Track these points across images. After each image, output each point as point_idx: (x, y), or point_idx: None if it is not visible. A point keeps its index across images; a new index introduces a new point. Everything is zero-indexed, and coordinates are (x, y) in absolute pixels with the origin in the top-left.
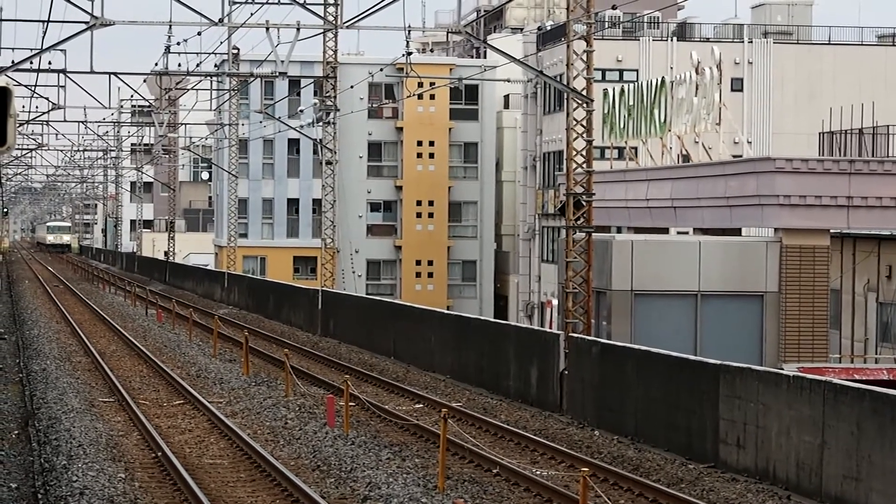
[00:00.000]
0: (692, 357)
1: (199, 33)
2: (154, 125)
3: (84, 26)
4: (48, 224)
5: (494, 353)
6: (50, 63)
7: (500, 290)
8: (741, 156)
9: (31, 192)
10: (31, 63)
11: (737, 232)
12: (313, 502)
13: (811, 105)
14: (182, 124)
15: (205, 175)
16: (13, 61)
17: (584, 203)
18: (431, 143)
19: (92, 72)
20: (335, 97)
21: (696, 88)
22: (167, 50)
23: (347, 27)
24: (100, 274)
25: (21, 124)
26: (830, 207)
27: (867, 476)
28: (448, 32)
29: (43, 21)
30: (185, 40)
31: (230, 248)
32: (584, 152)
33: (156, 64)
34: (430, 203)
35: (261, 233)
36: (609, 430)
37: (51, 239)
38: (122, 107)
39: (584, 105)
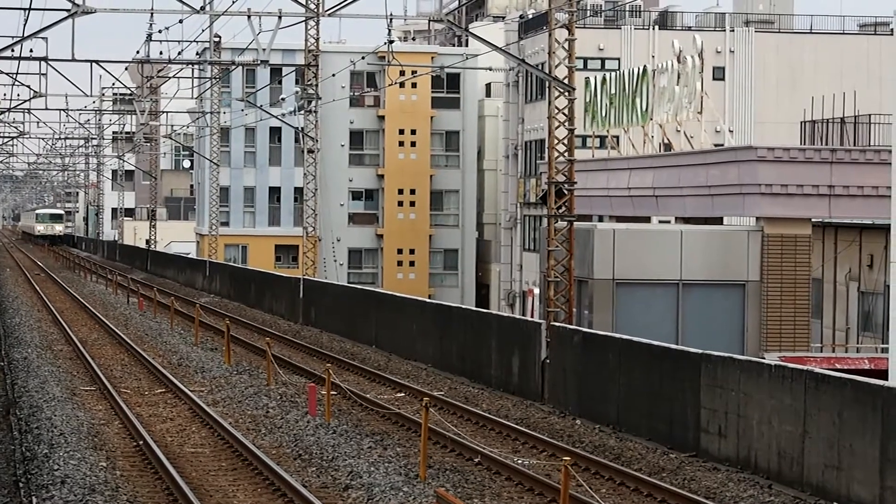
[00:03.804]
0: (674, 346)
1: (180, 21)
2: (136, 113)
3: (65, 14)
4: (37, 212)
5: (476, 342)
6: (31, 51)
7: (481, 278)
8: (723, 145)
9: (12, 180)
10: (13, 51)
11: (718, 221)
12: (295, 491)
13: (793, 94)
14: (163, 112)
15: (186, 163)
16: None
17: (565, 192)
18: (413, 132)
19: (73, 59)
20: (317, 85)
21: (678, 77)
22: (149, 38)
23: (329, 15)
24: (81, 262)
25: (2, 112)
26: (812, 196)
27: (848, 465)
28: (430, 20)
29: (24, 8)
30: (167, 28)
31: (212, 236)
32: (565, 141)
33: (137, 52)
34: (412, 191)
35: (242, 221)
36: (591, 419)
37: (41, 229)
38: (103, 95)
39: (566, 93)
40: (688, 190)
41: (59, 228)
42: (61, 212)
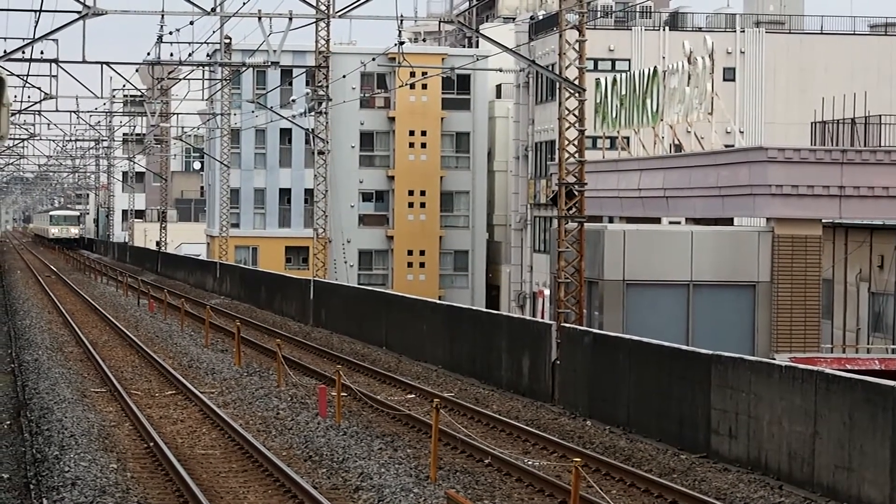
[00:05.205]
0: (684, 347)
1: (191, 23)
2: (146, 115)
3: (76, 16)
4: (51, 213)
5: (486, 344)
6: (42, 53)
7: (491, 280)
8: (733, 145)
9: (22, 181)
10: (24, 53)
11: (729, 222)
12: (305, 493)
13: (803, 95)
14: (174, 114)
15: (197, 165)
16: (5, 51)
17: (576, 193)
18: (423, 133)
19: (84, 61)
20: (327, 87)
21: (689, 78)
22: (159, 39)
23: (340, 16)
24: (91, 264)
25: (13, 114)
26: (822, 197)
27: (859, 466)
28: (440, 22)
29: (35, 10)
30: (178, 30)
31: (222, 237)
32: (576, 142)
33: (148, 53)
34: (423, 193)
35: (253, 223)
36: (601, 420)
37: (55, 232)
38: (114, 96)
39: (577, 95)
40: (698, 191)
41: (74, 231)
42: (77, 213)
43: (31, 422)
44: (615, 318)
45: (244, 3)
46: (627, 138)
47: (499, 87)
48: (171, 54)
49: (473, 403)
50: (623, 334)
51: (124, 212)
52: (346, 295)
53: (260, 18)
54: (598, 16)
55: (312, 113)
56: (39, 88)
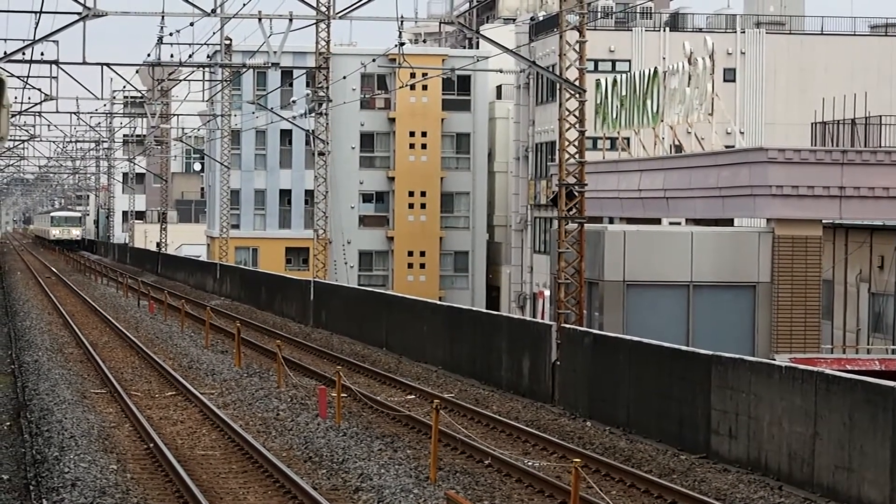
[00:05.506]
0: (684, 348)
1: (191, 24)
2: (146, 116)
3: (77, 17)
4: (52, 215)
5: (486, 344)
6: (42, 54)
7: (492, 280)
8: (733, 146)
9: (22, 182)
10: (24, 54)
11: (729, 222)
12: (305, 494)
13: (804, 95)
14: (174, 115)
15: (197, 166)
16: (5, 52)
17: (576, 193)
18: (424, 134)
19: (84, 63)
20: (328, 88)
21: (689, 79)
22: (160, 41)
23: (340, 17)
24: (92, 265)
25: (13, 115)
26: (823, 198)
27: (859, 466)
28: (441, 23)
29: (35, 12)
30: (178, 31)
31: (222, 239)
32: (576, 143)
33: (148, 55)
34: (423, 194)
35: (253, 224)
36: (601, 420)
37: (56, 233)
38: (114, 98)
39: (577, 95)
40: (698, 191)
41: (75, 233)
42: (79, 214)
43: (31, 423)
44: (615, 319)
45: (244, 5)
46: (628, 139)
47: (499, 88)
48: (172, 55)
49: (473, 404)
50: (623, 335)
51: (125, 213)
52: (347, 296)
53: (260, 20)
54: (599, 17)
55: (313, 114)
56: (40, 90)
